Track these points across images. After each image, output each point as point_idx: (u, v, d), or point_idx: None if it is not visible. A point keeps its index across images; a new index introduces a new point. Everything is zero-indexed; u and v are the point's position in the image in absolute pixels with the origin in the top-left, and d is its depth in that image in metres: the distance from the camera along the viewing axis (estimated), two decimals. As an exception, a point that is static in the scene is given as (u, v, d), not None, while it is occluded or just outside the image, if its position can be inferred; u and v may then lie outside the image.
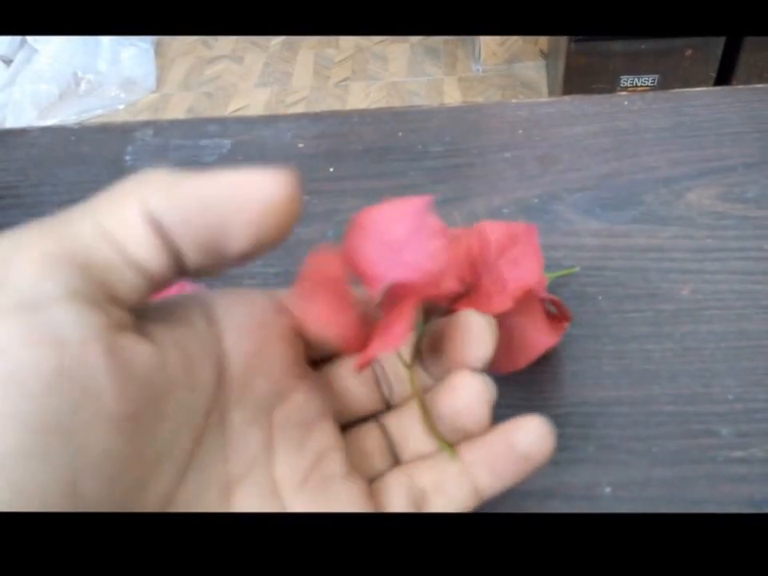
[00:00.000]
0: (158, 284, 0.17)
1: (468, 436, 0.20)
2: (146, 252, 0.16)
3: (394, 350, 0.18)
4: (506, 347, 0.24)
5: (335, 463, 0.20)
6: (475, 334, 0.20)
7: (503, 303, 0.22)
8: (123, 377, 0.15)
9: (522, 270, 0.23)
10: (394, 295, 0.20)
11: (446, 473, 0.20)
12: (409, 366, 0.21)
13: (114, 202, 0.16)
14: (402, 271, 0.20)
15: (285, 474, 0.19)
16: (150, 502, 0.16)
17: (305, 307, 0.19)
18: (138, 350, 0.16)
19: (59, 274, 0.15)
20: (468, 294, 0.23)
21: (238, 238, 0.17)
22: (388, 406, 0.22)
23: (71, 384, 0.14)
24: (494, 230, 0.24)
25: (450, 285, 0.22)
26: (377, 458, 0.21)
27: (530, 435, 0.19)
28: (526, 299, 0.24)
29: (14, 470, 0.13)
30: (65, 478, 0.14)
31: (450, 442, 0.20)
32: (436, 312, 0.23)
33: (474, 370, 0.20)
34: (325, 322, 0.19)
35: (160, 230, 0.16)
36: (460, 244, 0.23)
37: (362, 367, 0.18)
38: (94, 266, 0.15)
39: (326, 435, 0.20)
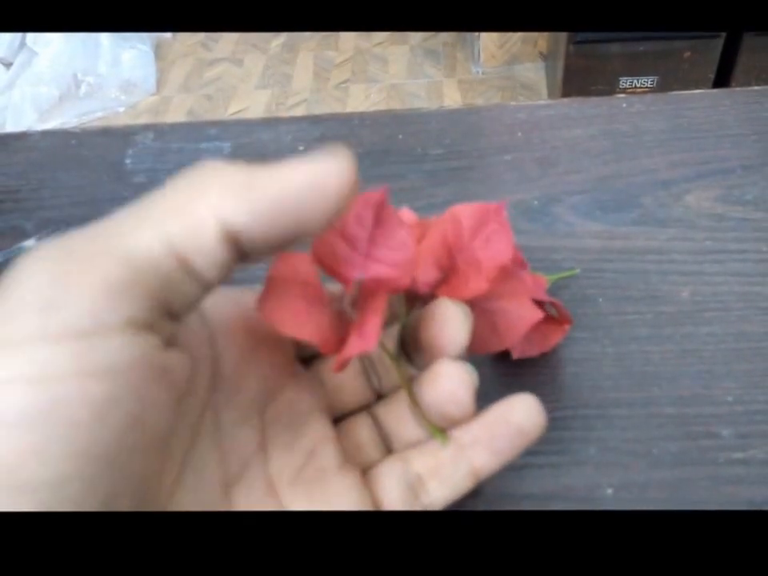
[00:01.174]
0: (212, 289, 0.16)
1: (454, 423, 0.20)
2: (211, 263, 0.15)
3: (368, 349, 0.18)
4: (491, 328, 0.24)
5: (328, 456, 0.20)
6: (449, 323, 0.20)
7: (479, 285, 0.22)
8: (167, 399, 0.15)
9: (494, 249, 0.23)
10: (368, 290, 0.20)
11: (440, 457, 0.20)
12: (394, 358, 0.21)
13: (182, 210, 0.15)
14: (371, 267, 0.20)
15: (279, 469, 0.19)
16: (159, 505, 0.17)
17: (274, 309, 0.18)
18: (178, 366, 0.16)
19: (120, 302, 0.14)
20: (447, 279, 0.23)
21: (309, 232, 0.16)
22: (379, 396, 0.22)
23: (118, 413, 0.14)
24: (465, 213, 0.24)
25: (429, 272, 0.22)
26: (370, 448, 0.21)
27: (524, 410, 0.20)
28: (506, 278, 0.24)
29: (52, 495, 0.13)
30: (101, 500, 0.14)
31: (441, 428, 0.21)
32: (419, 300, 0.23)
33: (452, 357, 0.20)
34: (297, 323, 0.18)
35: (232, 238, 0.15)
36: (435, 231, 0.23)
37: (340, 368, 0.19)
38: (156, 285, 0.15)
39: (318, 430, 0.21)
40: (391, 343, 0.22)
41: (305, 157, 0.17)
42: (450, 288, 0.22)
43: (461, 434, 0.20)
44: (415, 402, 0.20)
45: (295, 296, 0.19)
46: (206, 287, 0.16)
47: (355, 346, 0.18)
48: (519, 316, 0.24)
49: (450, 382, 0.20)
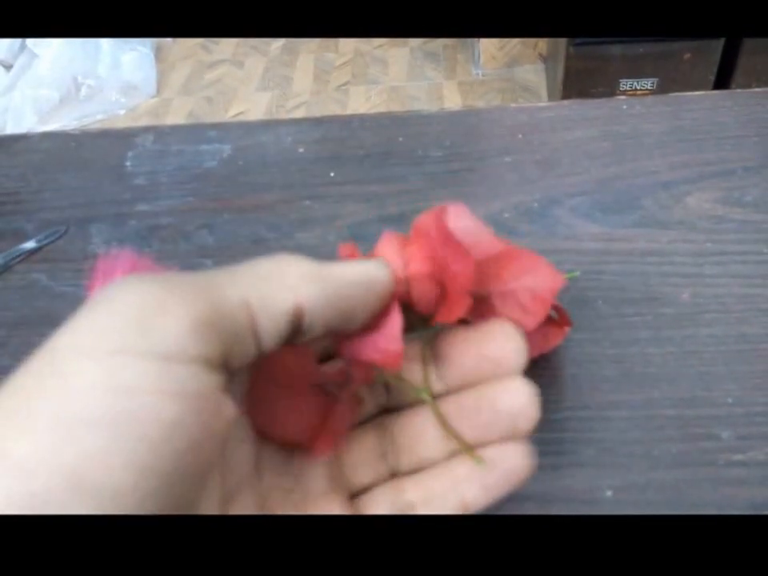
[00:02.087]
0: (262, 355, 0.18)
1: (514, 436, 0.21)
2: (274, 331, 0.18)
3: (339, 445, 0.20)
4: (520, 309, 0.24)
5: (317, 479, 0.21)
6: (509, 342, 0.21)
7: (531, 320, 0.22)
8: (220, 432, 0.16)
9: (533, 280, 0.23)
10: (354, 370, 0.20)
11: (434, 488, 0.21)
12: (423, 385, 0.21)
13: (266, 282, 0.18)
14: (366, 352, 0.20)
15: (270, 490, 0.20)
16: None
17: (256, 410, 0.20)
18: (230, 408, 0.17)
19: (200, 338, 0.16)
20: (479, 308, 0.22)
21: (355, 322, 0.19)
22: (385, 410, 0.22)
23: (183, 435, 0.15)
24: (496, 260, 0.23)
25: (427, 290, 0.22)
26: (369, 466, 0.21)
27: (517, 454, 0.20)
28: (511, 258, 0.23)
29: (110, 504, 0.14)
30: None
31: (471, 446, 0.21)
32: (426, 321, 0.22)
33: (514, 376, 0.21)
34: (283, 424, 0.20)
35: (298, 315, 0.18)
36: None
37: (322, 455, 0.20)
38: (228, 335, 0.17)
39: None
40: (418, 359, 0.22)
41: (359, 259, 0.20)
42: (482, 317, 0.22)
43: (457, 467, 0.21)
44: (446, 423, 0.21)
45: (276, 397, 0.20)
46: (259, 351, 0.18)
47: (326, 442, 0.20)
48: (542, 288, 0.23)
49: (526, 395, 0.20)
